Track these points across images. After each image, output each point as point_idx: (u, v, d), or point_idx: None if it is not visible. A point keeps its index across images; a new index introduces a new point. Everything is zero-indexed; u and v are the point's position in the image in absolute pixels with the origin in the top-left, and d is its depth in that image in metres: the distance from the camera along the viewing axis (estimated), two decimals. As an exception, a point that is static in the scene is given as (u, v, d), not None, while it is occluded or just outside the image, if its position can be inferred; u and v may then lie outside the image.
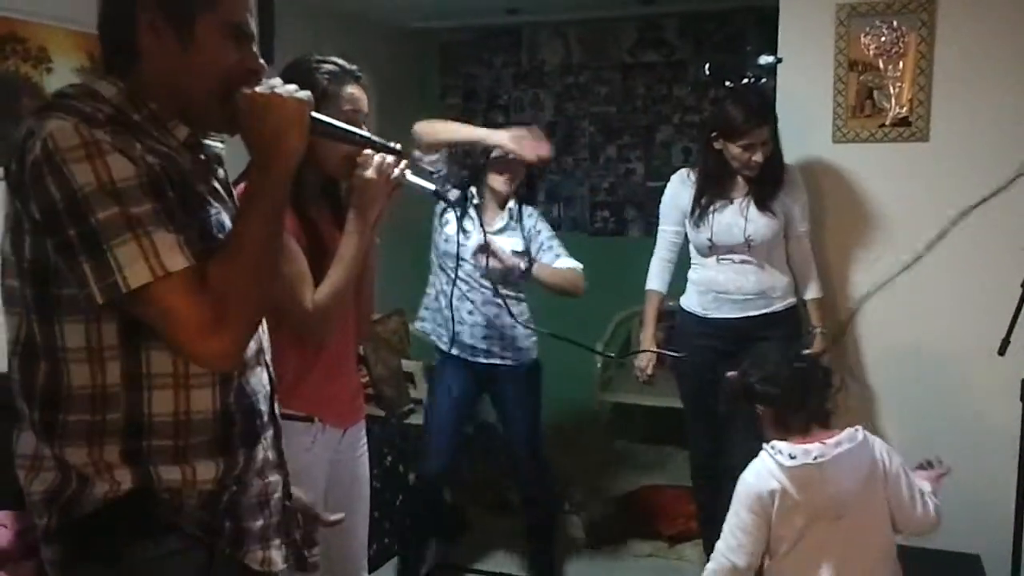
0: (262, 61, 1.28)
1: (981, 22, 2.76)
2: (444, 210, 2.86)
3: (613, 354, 4.33)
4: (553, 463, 4.02)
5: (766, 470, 1.90)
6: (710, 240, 2.79)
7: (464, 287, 2.85)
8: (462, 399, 3.00)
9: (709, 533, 3.10)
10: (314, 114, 1.30)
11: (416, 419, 3.81)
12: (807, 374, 1.99)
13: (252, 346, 1.30)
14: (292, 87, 1.25)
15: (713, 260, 2.84)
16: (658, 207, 3.03)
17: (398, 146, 1.63)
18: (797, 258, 2.85)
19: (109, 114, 1.16)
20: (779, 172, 2.77)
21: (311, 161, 1.62)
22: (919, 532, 1.99)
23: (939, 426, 2.84)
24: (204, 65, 1.23)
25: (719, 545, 1.97)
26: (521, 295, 2.94)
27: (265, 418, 1.34)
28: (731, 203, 2.79)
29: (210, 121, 1.28)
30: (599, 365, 4.35)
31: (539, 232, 2.94)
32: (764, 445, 1.93)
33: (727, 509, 2.91)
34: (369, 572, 3.29)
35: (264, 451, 1.33)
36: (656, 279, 3.01)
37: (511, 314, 2.71)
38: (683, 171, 2.96)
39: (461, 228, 2.78)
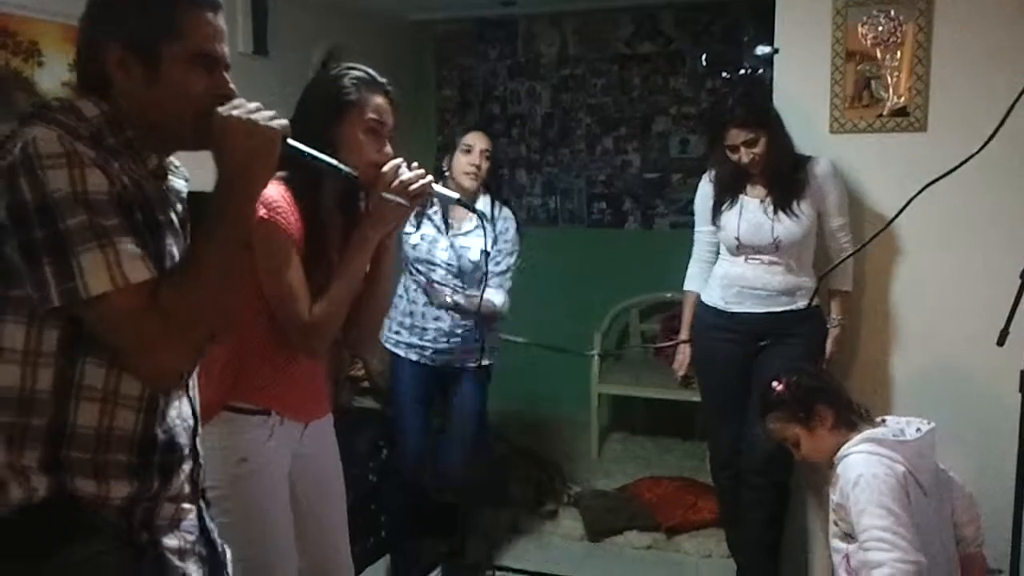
0: (232, 86, 1.31)
1: (979, 10, 2.74)
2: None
3: (596, 352, 4.31)
4: (551, 455, 4.03)
5: (884, 457, 1.83)
6: (737, 240, 2.75)
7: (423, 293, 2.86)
8: (424, 398, 3.01)
9: (731, 530, 3.09)
10: (290, 140, 1.34)
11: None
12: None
13: None
14: (268, 114, 1.29)
15: (741, 259, 2.79)
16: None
17: (410, 175, 1.70)
18: (832, 252, 2.78)
19: (91, 132, 1.19)
20: (790, 170, 2.70)
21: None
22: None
23: (938, 417, 2.83)
24: (173, 97, 1.25)
25: (882, 557, 1.79)
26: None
27: (185, 451, 1.34)
28: (755, 202, 2.74)
29: (181, 143, 1.31)
30: (596, 359, 4.34)
31: (505, 239, 2.91)
32: (855, 440, 1.88)
33: (745, 505, 2.90)
34: (368, 565, 3.32)
35: (180, 482, 1.33)
36: (693, 280, 2.98)
37: (478, 323, 2.72)
38: (709, 171, 2.92)
39: (422, 229, 2.80)
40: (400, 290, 2.96)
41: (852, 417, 1.94)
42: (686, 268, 3.01)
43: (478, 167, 2.82)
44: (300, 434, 1.88)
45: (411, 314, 2.90)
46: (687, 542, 3.47)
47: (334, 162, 1.58)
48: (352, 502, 3.23)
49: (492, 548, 3.30)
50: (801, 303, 2.73)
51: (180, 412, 1.33)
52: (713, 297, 2.86)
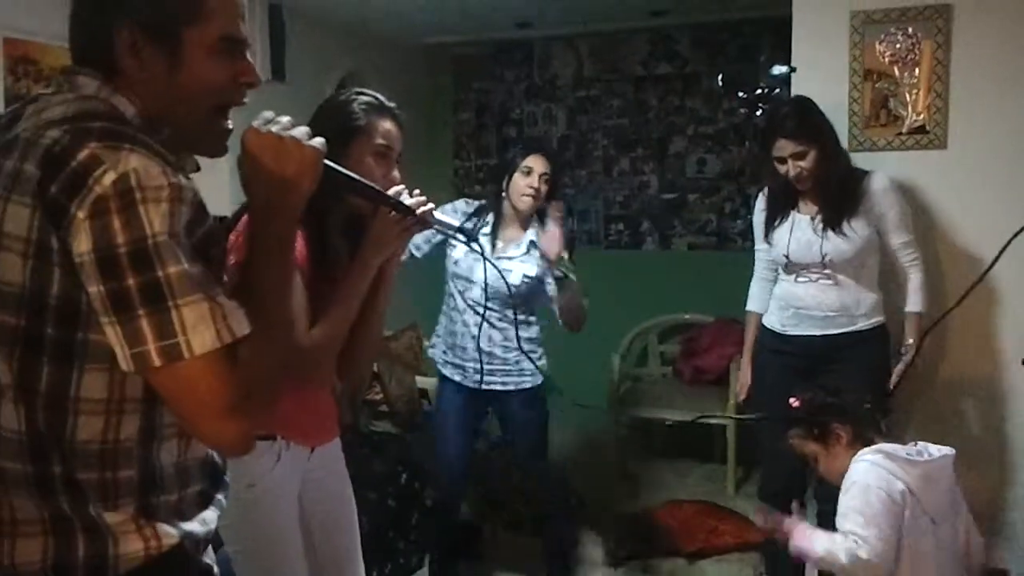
0: (259, 73, 1.17)
1: (997, 26, 2.73)
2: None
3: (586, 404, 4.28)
4: (568, 480, 4.00)
5: (885, 471, 1.80)
6: (787, 257, 2.70)
7: (469, 312, 2.82)
8: (466, 423, 2.96)
9: (770, 559, 2.96)
10: (326, 161, 1.21)
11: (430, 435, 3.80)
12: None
13: None
14: (303, 131, 1.17)
15: (792, 277, 2.74)
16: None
17: (412, 201, 1.62)
18: (898, 270, 2.71)
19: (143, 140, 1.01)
20: (842, 186, 2.63)
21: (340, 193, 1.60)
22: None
23: (989, 439, 2.79)
24: (195, 86, 1.10)
25: (861, 553, 1.78)
26: (532, 318, 2.89)
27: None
28: (806, 219, 2.68)
29: (193, 144, 1.16)
30: (615, 379, 4.31)
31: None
32: (866, 450, 1.84)
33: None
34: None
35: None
36: (754, 300, 2.93)
37: (519, 340, 2.67)
38: (764, 187, 2.89)
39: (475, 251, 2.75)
40: (444, 308, 2.95)
41: (869, 434, 1.89)
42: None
43: (536, 190, 2.76)
44: (308, 458, 1.87)
45: (452, 334, 2.89)
46: (710, 567, 3.42)
47: (378, 188, 1.56)
48: (369, 527, 3.24)
49: (516, 573, 3.26)
50: (861, 324, 2.65)
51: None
52: (772, 320, 2.82)
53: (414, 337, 4.02)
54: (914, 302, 2.68)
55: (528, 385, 2.88)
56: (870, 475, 1.80)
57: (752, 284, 2.94)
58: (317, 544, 1.90)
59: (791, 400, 2.06)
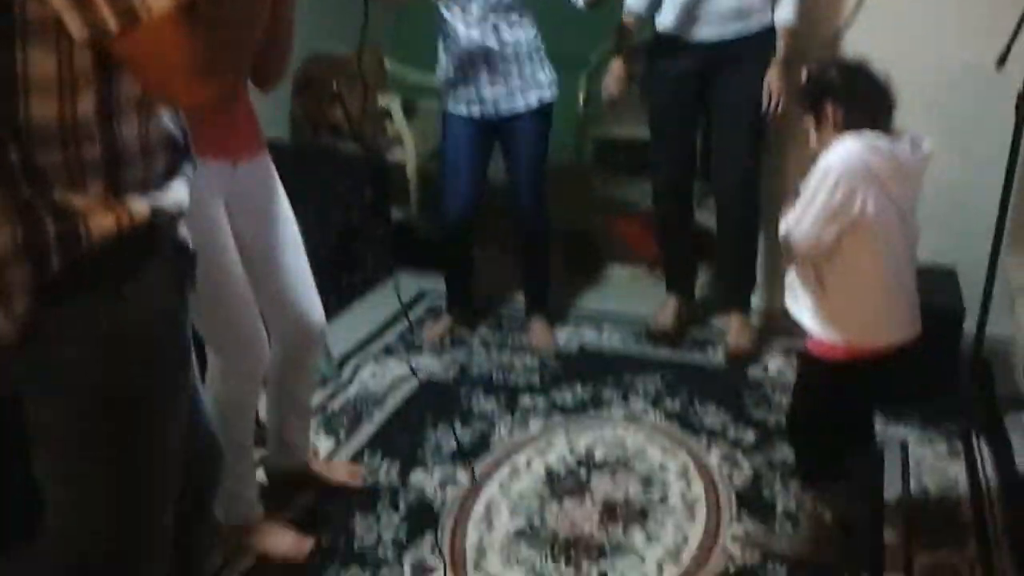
0: None
1: None
2: None
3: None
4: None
5: (856, 152, 1.79)
6: None
7: (474, 27, 2.73)
8: (475, 156, 2.95)
9: (669, 266, 3.20)
10: None
11: (395, 156, 3.77)
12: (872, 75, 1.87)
13: None
14: None
15: None
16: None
17: None
18: None
19: None
20: None
21: None
22: None
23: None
24: None
25: (795, 228, 1.86)
26: (524, 19, 2.80)
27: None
28: None
29: None
30: (581, 101, 4.23)
31: None
32: (848, 135, 1.82)
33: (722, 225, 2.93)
34: (355, 298, 3.41)
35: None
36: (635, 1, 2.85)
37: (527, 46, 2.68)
38: None
39: None
40: (440, 46, 2.86)
41: (860, 123, 1.85)
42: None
43: None
44: (231, 176, 1.86)
45: (459, 62, 2.79)
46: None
47: None
48: (336, 240, 3.30)
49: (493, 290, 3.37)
50: (753, 25, 2.69)
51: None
52: (666, 22, 2.79)
53: (374, 57, 3.86)
54: (787, 10, 2.68)
55: (537, 104, 2.86)
56: (836, 159, 1.80)
57: None
58: (251, 253, 1.93)
59: (805, 65, 2.00)
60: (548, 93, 2.89)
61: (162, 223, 1.17)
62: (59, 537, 1.27)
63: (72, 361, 1.14)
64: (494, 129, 2.92)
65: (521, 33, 2.78)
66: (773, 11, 2.70)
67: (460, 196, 2.99)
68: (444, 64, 2.87)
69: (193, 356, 1.36)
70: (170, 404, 1.26)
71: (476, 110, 2.86)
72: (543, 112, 2.90)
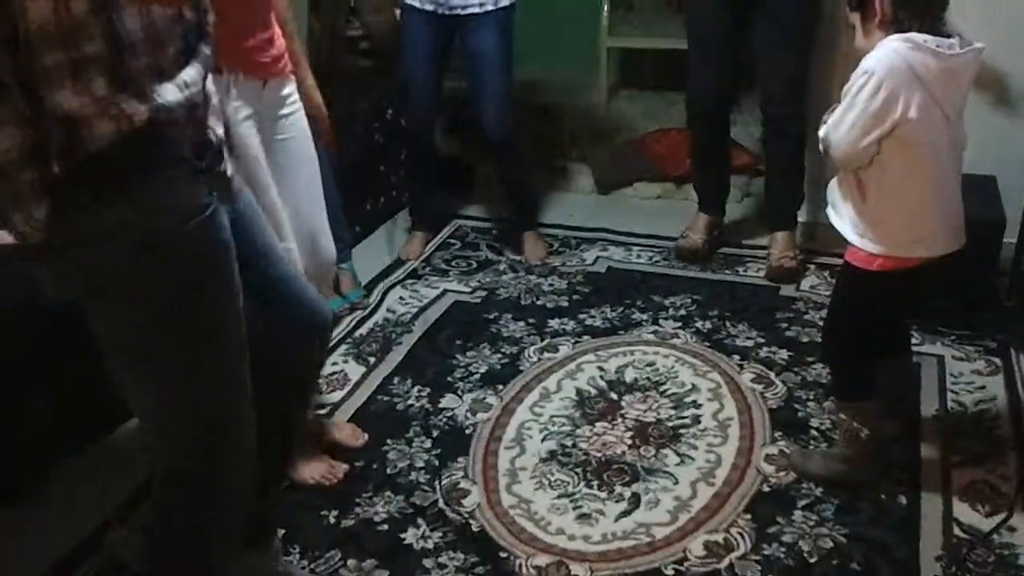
0: None
1: None
2: None
3: None
4: (557, 113, 3.94)
5: (901, 52, 1.70)
6: None
7: None
8: (433, 53, 2.88)
9: (703, 181, 3.11)
10: None
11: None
12: None
13: None
14: None
15: None
16: None
17: None
18: None
19: None
20: None
21: None
22: None
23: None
24: None
25: (833, 132, 1.79)
26: None
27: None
28: None
29: None
30: (605, 10, 4.08)
31: None
32: (894, 36, 1.72)
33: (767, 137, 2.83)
34: (380, 224, 3.39)
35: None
36: None
37: None
38: None
39: None
40: None
41: (908, 23, 1.75)
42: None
43: None
44: (259, 95, 1.84)
45: None
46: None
47: None
48: (359, 160, 3.25)
49: (503, 202, 3.33)
50: None
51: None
52: None
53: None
54: None
55: (494, 5, 2.76)
56: (879, 59, 1.71)
57: None
58: (281, 166, 1.92)
59: None
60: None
61: (171, 121, 1.15)
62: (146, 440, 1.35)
63: (104, 267, 1.17)
64: (452, 29, 2.83)
65: None
66: None
67: (418, 95, 2.95)
68: None
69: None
70: (220, 303, 1.27)
71: (429, 4, 2.78)
72: (503, 15, 2.79)
